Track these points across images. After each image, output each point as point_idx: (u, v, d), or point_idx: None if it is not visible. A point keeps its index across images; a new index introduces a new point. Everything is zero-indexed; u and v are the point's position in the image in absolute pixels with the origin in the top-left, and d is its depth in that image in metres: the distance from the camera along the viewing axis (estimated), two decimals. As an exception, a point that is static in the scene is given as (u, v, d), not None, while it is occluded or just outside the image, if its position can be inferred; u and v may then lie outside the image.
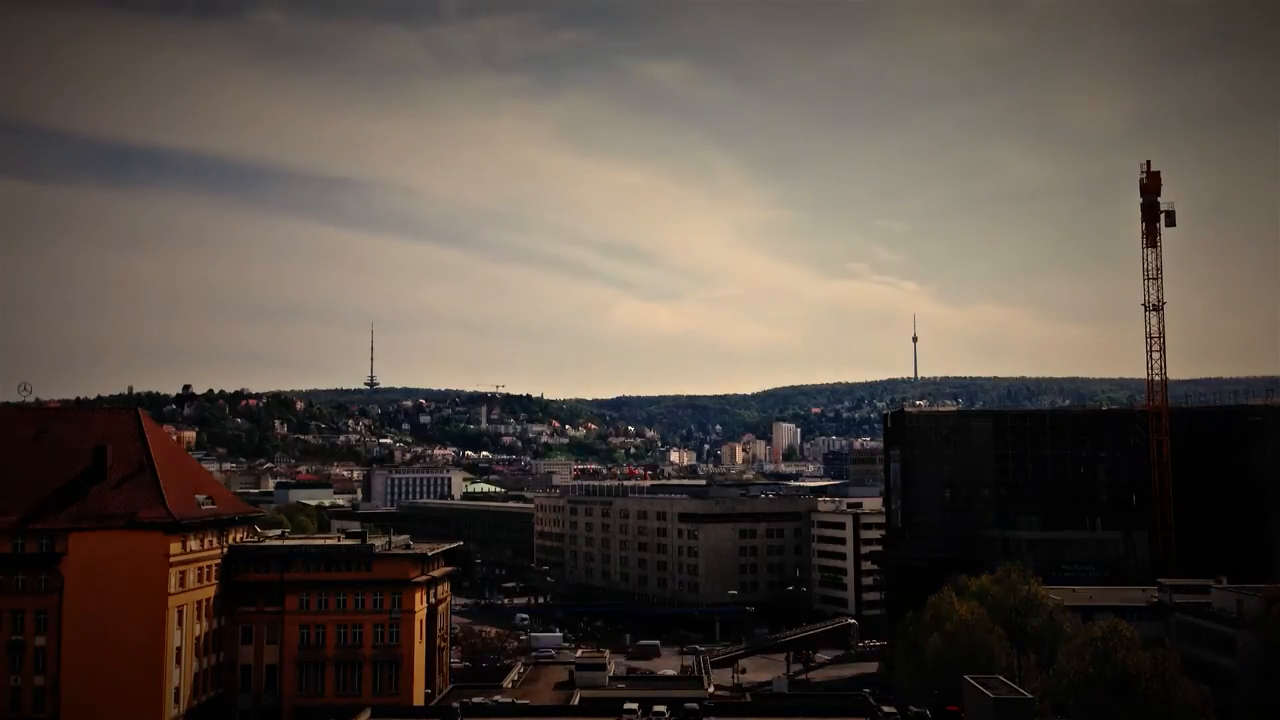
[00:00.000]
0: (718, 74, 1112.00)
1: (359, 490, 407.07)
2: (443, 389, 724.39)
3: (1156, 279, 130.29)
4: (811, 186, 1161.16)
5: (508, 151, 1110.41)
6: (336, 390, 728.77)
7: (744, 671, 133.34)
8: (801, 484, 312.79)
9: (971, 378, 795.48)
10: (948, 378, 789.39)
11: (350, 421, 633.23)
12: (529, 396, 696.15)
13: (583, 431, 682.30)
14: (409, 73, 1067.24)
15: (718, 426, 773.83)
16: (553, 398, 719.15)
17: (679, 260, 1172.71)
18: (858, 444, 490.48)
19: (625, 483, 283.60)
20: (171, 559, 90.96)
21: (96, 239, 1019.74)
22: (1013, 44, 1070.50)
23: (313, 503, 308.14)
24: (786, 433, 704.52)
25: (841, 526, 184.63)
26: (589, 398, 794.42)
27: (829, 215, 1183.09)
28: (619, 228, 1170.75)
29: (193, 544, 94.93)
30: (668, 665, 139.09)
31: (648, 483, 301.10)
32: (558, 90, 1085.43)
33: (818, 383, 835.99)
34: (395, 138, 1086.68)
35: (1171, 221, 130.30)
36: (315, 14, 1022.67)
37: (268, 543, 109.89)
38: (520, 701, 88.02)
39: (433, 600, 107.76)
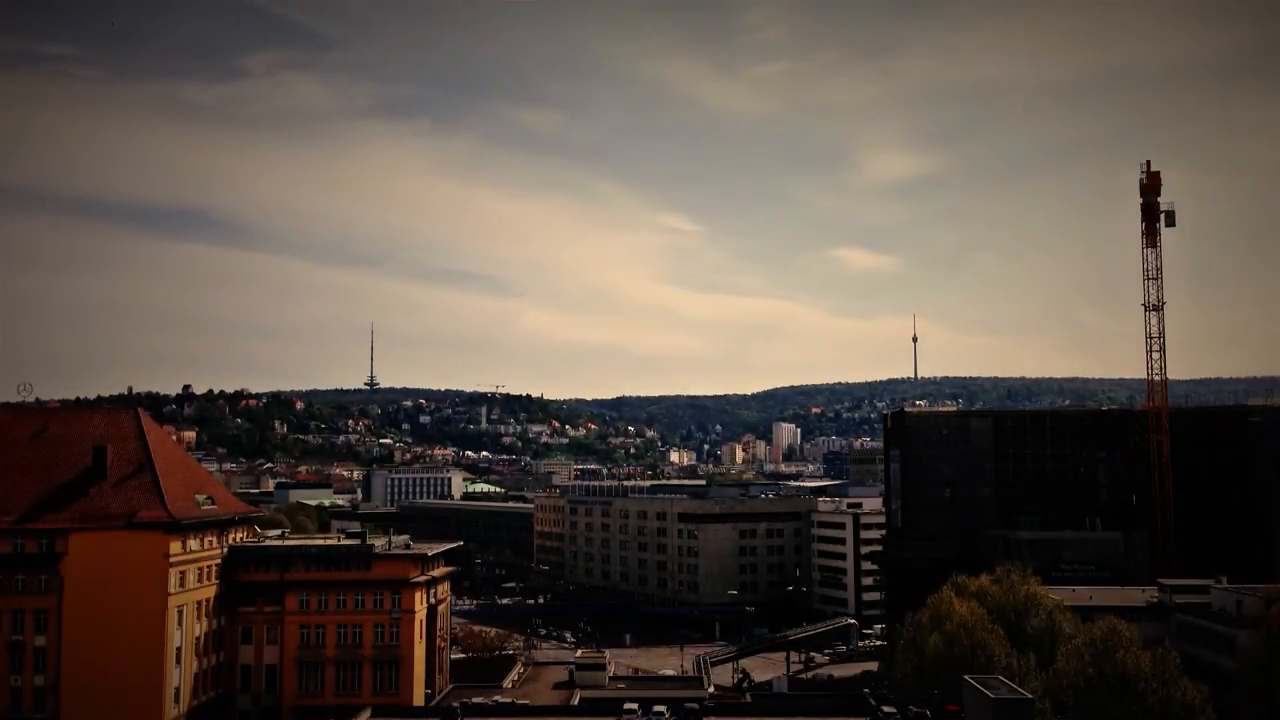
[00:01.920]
0: (586, 120, 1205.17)
1: (359, 490, 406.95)
2: (443, 389, 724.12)
3: (1156, 279, 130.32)
4: (694, 213, 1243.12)
5: (404, 184, 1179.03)
6: (336, 390, 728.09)
7: (742, 674, 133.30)
8: (801, 484, 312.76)
9: (971, 378, 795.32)
10: (948, 378, 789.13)
11: (350, 421, 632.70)
12: (529, 396, 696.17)
13: (583, 431, 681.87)
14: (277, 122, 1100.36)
15: (718, 426, 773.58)
16: (553, 398, 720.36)
17: (580, 277, 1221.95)
18: (858, 444, 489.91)
19: (625, 483, 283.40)
20: (171, 559, 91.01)
21: (87, 256, 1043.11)
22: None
23: (313, 503, 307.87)
24: (786, 433, 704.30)
25: (841, 526, 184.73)
26: (589, 398, 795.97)
27: (719, 236, 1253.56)
28: (525, 248, 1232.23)
29: (193, 544, 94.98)
30: (668, 665, 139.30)
31: (647, 483, 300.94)
32: (456, 131, 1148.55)
33: (818, 383, 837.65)
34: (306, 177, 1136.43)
35: (1171, 221, 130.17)
36: (135, 70, 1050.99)
37: (268, 543, 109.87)
38: (520, 701, 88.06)
39: (433, 600, 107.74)
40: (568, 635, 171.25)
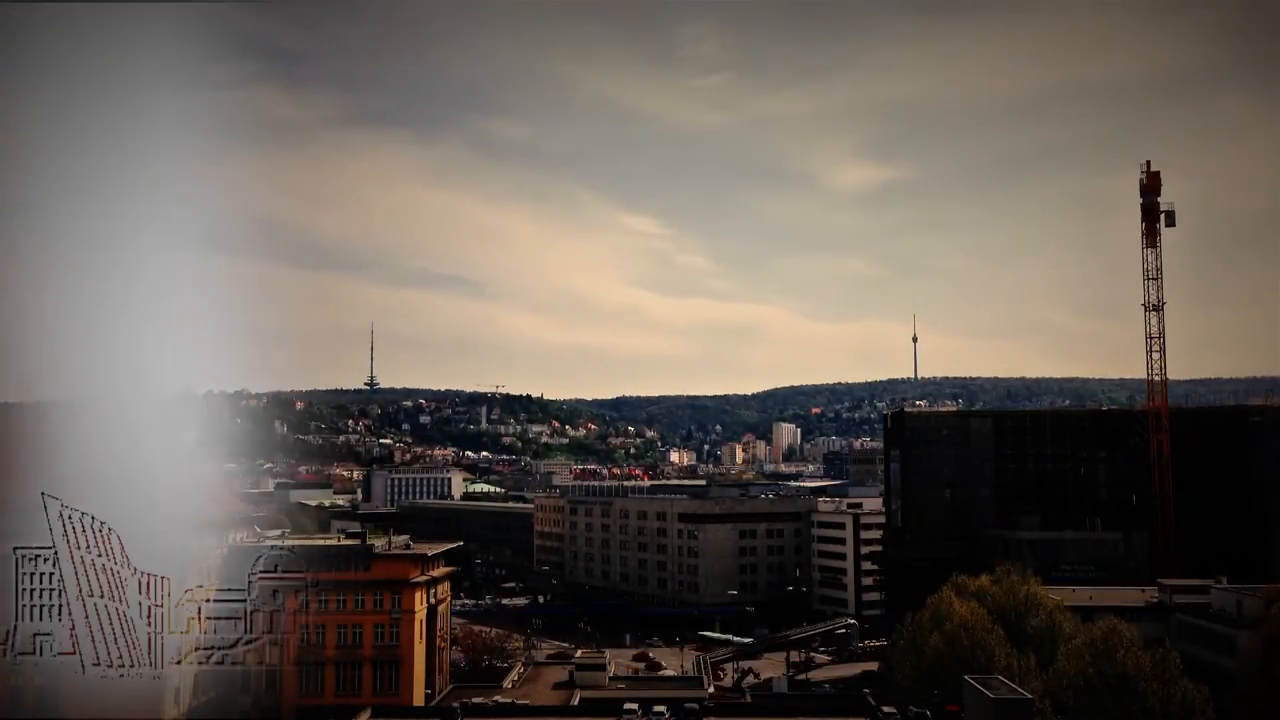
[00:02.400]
0: (557, 133, 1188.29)
1: (359, 490, 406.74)
2: (443, 389, 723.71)
3: (1156, 279, 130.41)
4: (668, 219, 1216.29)
5: (388, 192, 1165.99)
6: (336, 390, 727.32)
7: (743, 672, 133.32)
8: (801, 484, 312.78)
9: (971, 378, 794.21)
10: (948, 378, 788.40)
11: (350, 422, 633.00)
12: (529, 396, 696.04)
13: (583, 432, 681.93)
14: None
15: (718, 426, 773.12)
16: (553, 398, 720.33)
17: (566, 282, 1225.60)
18: (858, 444, 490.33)
19: (625, 483, 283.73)
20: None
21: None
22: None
23: (313, 503, 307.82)
24: (786, 433, 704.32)
25: (841, 526, 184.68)
26: (589, 398, 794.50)
27: (698, 241, 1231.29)
28: (510, 254, 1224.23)
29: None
30: (668, 665, 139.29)
31: (647, 483, 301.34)
32: (434, 140, 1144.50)
33: (818, 383, 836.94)
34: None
35: (1171, 221, 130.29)
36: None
37: (267, 543, 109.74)
38: (520, 702, 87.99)
39: (433, 600, 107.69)
40: (567, 635, 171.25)
